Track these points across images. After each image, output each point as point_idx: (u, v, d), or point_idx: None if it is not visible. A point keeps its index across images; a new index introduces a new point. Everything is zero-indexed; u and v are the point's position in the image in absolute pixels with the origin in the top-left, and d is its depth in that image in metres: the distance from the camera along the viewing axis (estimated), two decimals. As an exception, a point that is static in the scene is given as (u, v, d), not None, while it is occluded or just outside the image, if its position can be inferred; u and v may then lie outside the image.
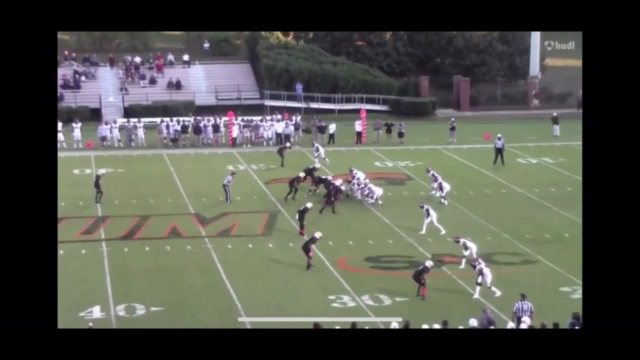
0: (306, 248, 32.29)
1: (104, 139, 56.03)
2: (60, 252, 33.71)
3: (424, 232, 36.16)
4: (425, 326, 23.74)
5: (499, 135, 50.56)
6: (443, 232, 35.84)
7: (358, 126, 57.92)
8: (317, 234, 32.82)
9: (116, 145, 55.88)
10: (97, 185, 41.56)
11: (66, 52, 75.52)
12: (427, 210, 36.44)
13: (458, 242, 32.59)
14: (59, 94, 68.57)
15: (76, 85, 70.71)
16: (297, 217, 36.84)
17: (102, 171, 45.46)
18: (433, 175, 42.81)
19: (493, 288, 29.46)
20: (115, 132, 56.72)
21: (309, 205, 37.08)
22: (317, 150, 49.68)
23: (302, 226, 36.28)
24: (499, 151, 50.19)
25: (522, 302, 25.84)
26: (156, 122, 58.26)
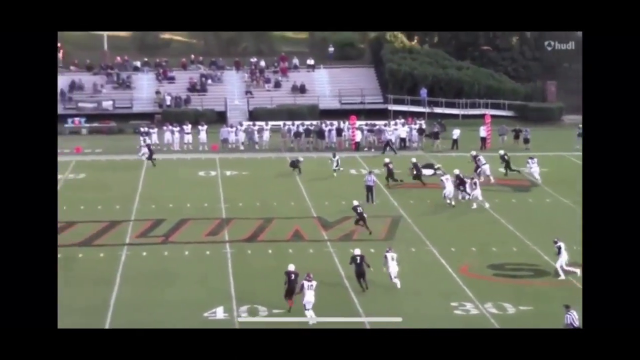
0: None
1: (226, 141, 56.91)
2: (186, 252, 34.34)
3: (562, 277, 31.36)
4: None
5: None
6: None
7: (483, 132, 57.27)
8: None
9: (241, 148, 56.62)
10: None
11: (193, 56, 76.82)
12: (559, 248, 31.59)
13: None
14: (185, 97, 69.89)
15: (202, 89, 71.88)
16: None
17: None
18: (478, 159, 45.06)
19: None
20: (241, 134, 57.48)
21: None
22: (336, 162, 48.75)
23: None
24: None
25: (569, 313, 25.07)
26: (279, 125, 58.86)
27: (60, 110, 68.47)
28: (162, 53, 78.91)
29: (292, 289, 28.22)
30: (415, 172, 44.52)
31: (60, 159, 52.97)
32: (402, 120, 59.25)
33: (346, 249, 34.34)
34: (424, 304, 29.39)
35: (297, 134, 57.17)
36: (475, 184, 41.71)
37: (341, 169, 48.67)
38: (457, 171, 43.03)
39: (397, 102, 67.79)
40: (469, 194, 41.46)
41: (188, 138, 57.05)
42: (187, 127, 57.53)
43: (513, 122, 62.41)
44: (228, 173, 48.30)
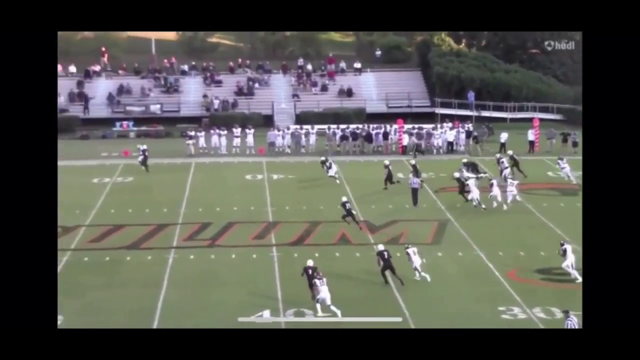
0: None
1: (273, 144, 57.03)
2: (232, 256, 34.44)
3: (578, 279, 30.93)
4: None
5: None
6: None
7: (531, 135, 56.86)
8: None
9: (287, 151, 56.71)
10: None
11: (240, 60, 77.13)
12: (565, 250, 31.53)
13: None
14: (232, 101, 70.16)
15: (249, 92, 72.14)
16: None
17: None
18: (502, 162, 45.81)
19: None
20: (287, 138, 57.57)
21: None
22: (329, 166, 47.94)
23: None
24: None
25: (569, 319, 24.80)
26: (324, 128, 58.91)
27: (109, 114, 69.38)
28: (210, 57, 79.35)
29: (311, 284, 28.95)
30: (459, 189, 43.62)
31: (108, 162, 54.02)
32: (450, 124, 58.99)
33: (393, 253, 34.20)
34: (471, 308, 29.18)
35: (344, 138, 57.15)
36: (492, 185, 41.79)
37: (336, 175, 47.83)
38: (457, 174, 43.48)
39: (444, 105, 67.56)
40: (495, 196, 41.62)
41: (236, 141, 57.27)
42: (237, 131, 57.79)
43: (561, 126, 61.91)
44: (275, 176, 48.39)
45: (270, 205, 42.57)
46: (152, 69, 75.31)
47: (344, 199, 39.01)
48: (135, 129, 66.60)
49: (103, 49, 77.85)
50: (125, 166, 53.01)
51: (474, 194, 41.36)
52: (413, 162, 47.05)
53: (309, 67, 75.63)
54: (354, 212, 38.59)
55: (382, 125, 58.18)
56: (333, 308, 27.98)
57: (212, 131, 58.53)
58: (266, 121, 66.30)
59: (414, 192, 42.09)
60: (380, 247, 31.79)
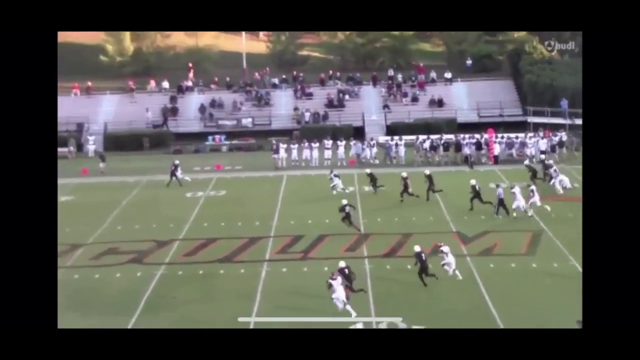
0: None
1: (358, 156, 57.24)
2: (325, 268, 34.39)
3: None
4: None
5: None
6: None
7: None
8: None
9: (375, 162, 56.74)
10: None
11: (330, 72, 77.37)
12: (532, 191, 39.88)
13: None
14: (323, 113, 70.41)
15: (340, 104, 72.26)
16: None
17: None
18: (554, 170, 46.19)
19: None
20: (373, 149, 57.73)
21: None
22: (332, 179, 48.33)
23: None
24: None
25: None
26: (413, 139, 58.79)
27: (201, 128, 70.27)
28: (300, 69, 79.79)
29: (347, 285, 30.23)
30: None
31: (201, 176, 54.64)
32: (541, 133, 58.27)
33: (487, 264, 33.95)
34: (565, 319, 28.64)
35: (434, 148, 56.87)
36: (532, 191, 41.88)
37: (340, 187, 47.87)
38: (473, 181, 43.54)
39: (536, 114, 66.65)
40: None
41: (327, 154, 57.52)
42: (328, 143, 58.11)
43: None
44: (366, 188, 48.28)
45: (361, 216, 42.49)
46: (244, 83, 76.02)
47: (345, 201, 39.98)
48: (227, 142, 67.31)
49: (190, 64, 78.89)
50: (217, 180, 53.56)
51: (519, 202, 41.04)
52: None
53: (399, 77, 75.51)
54: (351, 215, 39.77)
55: (474, 135, 57.78)
56: (348, 307, 29.03)
57: (303, 144, 58.87)
58: (356, 133, 66.38)
59: (500, 202, 41.60)
60: (417, 248, 32.73)
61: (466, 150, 56.23)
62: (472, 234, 38.84)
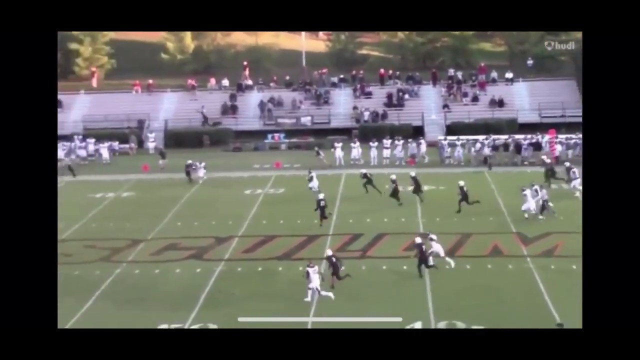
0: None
1: (413, 156, 57.40)
2: (383, 267, 34.31)
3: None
4: None
5: None
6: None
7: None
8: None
9: (425, 161, 56.78)
10: None
11: (390, 71, 77.17)
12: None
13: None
14: (382, 112, 70.26)
15: (399, 104, 72.04)
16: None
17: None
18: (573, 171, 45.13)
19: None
20: (422, 147, 58.21)
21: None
22: (311, 179, 48.12)
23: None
24: None
25: None
26: (472, 139, 58.59)
27: (260, 126, 70.54)
28: (359, 68, 79.69)
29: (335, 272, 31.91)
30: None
31: (260, 174, 54.85)
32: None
33: (548, 265, 33.58)
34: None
35: (494, 148, 56.44)
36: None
37: (315, 188, 47.27)
38: (462, 182, 43.52)
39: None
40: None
41: (386, 153, 57.50)
42: (387, 142, 58.17)
43: None
44: (425, 187, 48.05)
45: (420, 216, 42.32)
46: (303, 82, 76.12)
47: (321, 195, 41.81)
48: (286, 140, 67.48)
49: (245, 63, 79.13)
50: (276, 177, 53.71)
51: (530, 204, 40.70)
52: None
53: (460, 77, 75.08)
54: (326, 210, 41.19)
55: (534, 136, 57.28)
56: (324, 293, 30.52)
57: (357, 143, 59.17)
58: (416, 132, 66.16)
59: (545, 203, 41.13)
60: (418, 239, 33.63)
61: (486, 151, 55.73)
62: (533, 234, 38.43)
